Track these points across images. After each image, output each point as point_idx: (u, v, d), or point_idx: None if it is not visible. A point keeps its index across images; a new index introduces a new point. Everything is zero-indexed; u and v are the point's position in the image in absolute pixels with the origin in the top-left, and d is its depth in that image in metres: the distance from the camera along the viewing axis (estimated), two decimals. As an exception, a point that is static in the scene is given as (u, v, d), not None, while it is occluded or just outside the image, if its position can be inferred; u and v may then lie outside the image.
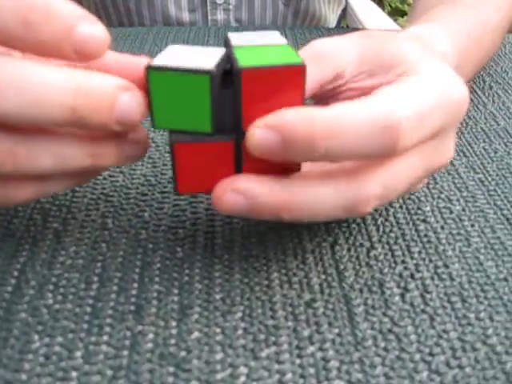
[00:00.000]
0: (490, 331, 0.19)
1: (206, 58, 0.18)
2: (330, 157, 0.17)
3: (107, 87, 0.17)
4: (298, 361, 0.18)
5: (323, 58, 0.21)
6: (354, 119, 0.16)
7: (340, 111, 0.16)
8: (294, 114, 0.16)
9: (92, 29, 0.16)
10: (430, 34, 0.26)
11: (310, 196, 0.17)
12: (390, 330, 0.19)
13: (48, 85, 0.16)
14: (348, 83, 0.21)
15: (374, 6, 0.81)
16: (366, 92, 0.21)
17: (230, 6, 0.54)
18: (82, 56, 0.17)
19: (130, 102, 0.17)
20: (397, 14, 1.92)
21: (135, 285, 0.21)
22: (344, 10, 0.71)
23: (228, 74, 0.18)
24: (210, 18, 0.54)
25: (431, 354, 0.18)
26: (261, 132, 0.16)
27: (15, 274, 0.21)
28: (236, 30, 0.45)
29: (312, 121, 0.16)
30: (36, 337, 0.18)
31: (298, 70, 0.17)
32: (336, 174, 0.18)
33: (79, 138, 0.18)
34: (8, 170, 0.17)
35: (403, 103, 0.17)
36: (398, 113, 0.17)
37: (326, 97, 0.22)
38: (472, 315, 0.20)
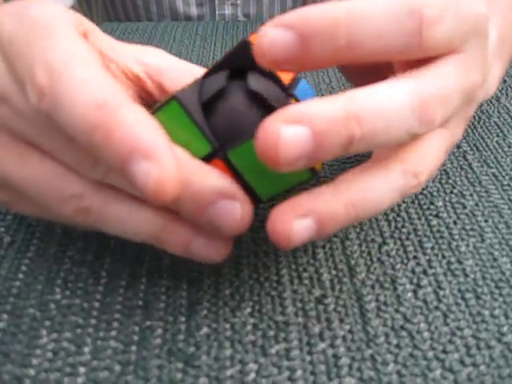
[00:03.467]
0: (505, 329, 0.19)
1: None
2: (352, 51, 0.15)
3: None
4: (308, 358, 0.18)
5: None
6: (376, 4, 0.15)
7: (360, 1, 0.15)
8: (313, 9, 0.14)
9: (146, 167, 0.14)
10: None
11: (369, 191, 0.17)
12: (402, 327, 0.19)
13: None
14: None
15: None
16: None
17: (238, 1, 0.53)
18: (135, 189, 0.15)
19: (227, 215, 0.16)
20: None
21: (144, 280, 0.20)
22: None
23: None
24: (217, 12, 0.53)
25: (445, 352, 0.18)
26: (273, 32, 0.14)
27: (24, 268, 0.21)
28: (244, 24, 0.45)
29: (333, 12, 0.14)
30: (44, 332, 0.18)
31: None
32: (384, 163, 0.17)
33: (154, 209, 0.18)
34: (79, 221, 0.18)
35: None
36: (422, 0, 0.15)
37: None
38: (486, 312, 0.19)
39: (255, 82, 0.17)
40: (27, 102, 0.17)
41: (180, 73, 0.20)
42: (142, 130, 0.14)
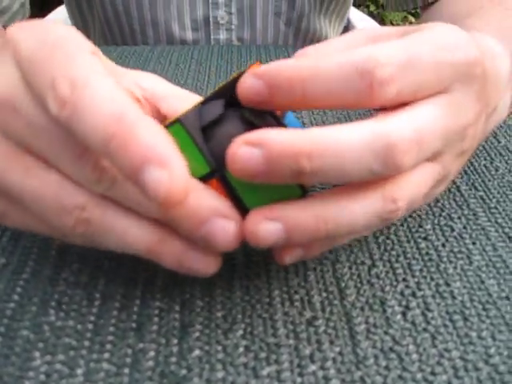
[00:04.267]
0: (493, 350, 0.19)
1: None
2: (308, 99, 0.17)
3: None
4: (299, 379, 0.18)
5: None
6: (331, 64, 0.17)
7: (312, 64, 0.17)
8: (281, 65, 0.17)
9: (158, 175, 0.15)
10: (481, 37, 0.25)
11: (343, 210, 0.18)
12: (391, 349, 0.19)
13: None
14: None
15: (376, 25, 0.82)
16: None
17: (233, 26, 0.54)
18: (148, 197, 0.15)
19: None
20: (398, 32, 1.93)
21: (137, 302, 0.21)
22: (346, 28, 0.71)
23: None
24: (212, 37, 0.55)
25: (433, 373, 0.18)
26: (249, 80, 0.18)
27: (18, 290, 0.21)
28: (238, 48, 0.46)
29: (293, 70, 0.17)
30: (37, 354, 0.18)
31: None
32: (364, 186, 0.18)
33: (148, 222, 0.18)
34: (78, 232, 0.18)
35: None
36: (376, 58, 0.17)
37: None
38: (474, 334, 0.19)
39: (250, 110, 0.19)
40: (42, 113, 0.17)
41: (174, 98, 0.21)
42: (156, 142, 0.15)
